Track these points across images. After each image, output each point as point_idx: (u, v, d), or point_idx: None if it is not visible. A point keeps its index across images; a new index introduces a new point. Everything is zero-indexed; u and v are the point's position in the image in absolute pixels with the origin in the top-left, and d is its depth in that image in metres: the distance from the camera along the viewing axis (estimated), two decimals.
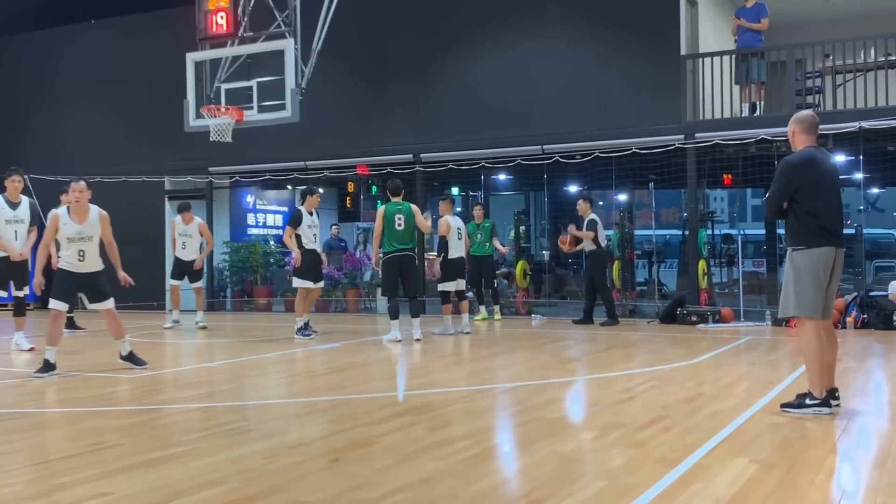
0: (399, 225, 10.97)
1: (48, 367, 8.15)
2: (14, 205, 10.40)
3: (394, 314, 10.98)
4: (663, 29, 14.53)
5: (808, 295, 5.86)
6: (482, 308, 14.38)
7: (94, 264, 8.41)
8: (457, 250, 12.40)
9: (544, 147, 15.14)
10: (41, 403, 6.90)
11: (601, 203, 21.61)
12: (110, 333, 8.62)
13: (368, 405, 6.64)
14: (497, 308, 14.42)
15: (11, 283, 10.44)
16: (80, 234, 8.26)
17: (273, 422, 6.09)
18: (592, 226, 13.18)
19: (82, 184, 8.32)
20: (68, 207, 8.36)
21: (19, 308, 10.49)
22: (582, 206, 13.53)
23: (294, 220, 11.74)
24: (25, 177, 10.84)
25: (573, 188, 19.13)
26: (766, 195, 6.19)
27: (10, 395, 7.34)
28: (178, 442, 5.28)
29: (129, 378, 8.07)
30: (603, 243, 13.41)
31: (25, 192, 10.93)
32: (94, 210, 8.42)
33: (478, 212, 14.47)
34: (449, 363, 9.33)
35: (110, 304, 8.47)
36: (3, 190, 10.56)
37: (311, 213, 11.80)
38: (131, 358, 8.58)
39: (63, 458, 4.86)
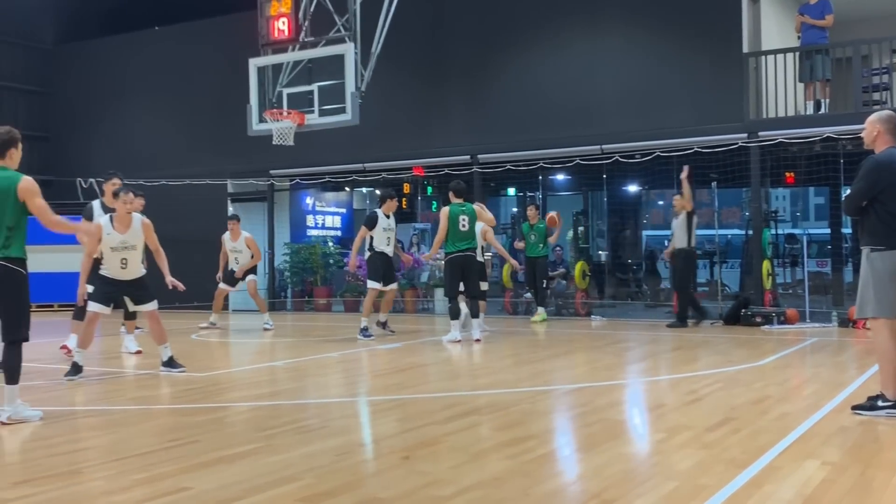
0: (463, 225, 11.04)
1: (76, 369, 8.08)
2: (109, 210, 10.33)
3: (454, 314, 11.04)
4: (725, 26, 14.36)
5: (887, 296, 5.79)
6: (540, 309, 14.34)
7: (136, 271, 8.40)
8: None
9: (603, 147, 15.07)
10: (119, 401, 7.10)
11: (660, 203, 21.41)
12: (152, 337, 8.65)
13: (433, 405, 6.71)
14: (541, 310, 14.28)
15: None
16: (124, 243, 8.22)
17: (341, 420, 6.19)
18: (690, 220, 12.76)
19: (131, 195, 8.29)
20: (111, 217, 8.32)
21: (129, 314, 10.25)
22: (678, 202, 12.94)
23: (369, 221, 11.88)
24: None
25: (633, 188, 18.97)
26: (848, 192, 6.12)
27: (90, 393, 7.57)
28: (252, 439, 5.41)
29: (200, 377, 8.26)
30: (693, 242, 13.05)
31: (92, 195, 11.03)
32: (137, 219, 8.37)
33: (532, 212, 14.44)
34: (510, 364, 9.36)
35: (153, 306, 8.44)
36: (102, 194, 10.48)
37: (387, 217, 11.87)
38: (171, 363, 8.48)
39: (143, 454, 5.01)
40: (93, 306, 8.26)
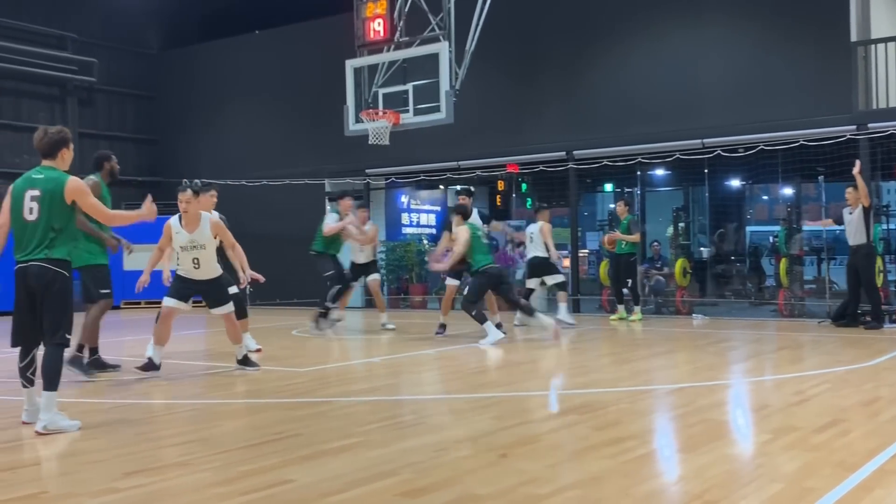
0: (485, 240, 11.35)
1: (151, 366, 8.15)
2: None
3: (482, 318, 10.82)
4: (831, 14, 13.83)
5: None
6: (620, 307, 14.16)
7: (210, 271, 8.32)
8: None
9: (704, 141, 14.71)
10: (225, 395, 7.32)
11: (765, 198, 20.76)
12: (228, 337, 8.59)
13: (530, 403, 6.69)
14: (637, 309, 13.93)
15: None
16: (192, 242, 8.13)
17: (438, 416, 6.23)
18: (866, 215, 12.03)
19: (189, 193, 8.18)
20: (180, 216, 8.24)
21: (240, 310, 9.99)
22: (852, 195, 12.12)
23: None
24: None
25: (735, 183, 18.46)
26: None
27: (197, 387, 7.83)
28: (352, 433, 5.50)
29: (301, 372, 8.45)
30: (871, 237, 12.42)
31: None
32: (205, 217, 8.30)
33: (620, 208, 14.24)
34: (608, 363, 9.24)
35: (228, 308, 8.41)
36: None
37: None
38: (245, 362, 8.55)
39: (247, 447, 5.15)
40: (168, 301, 8.26)
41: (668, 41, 15.36)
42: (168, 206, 11.26)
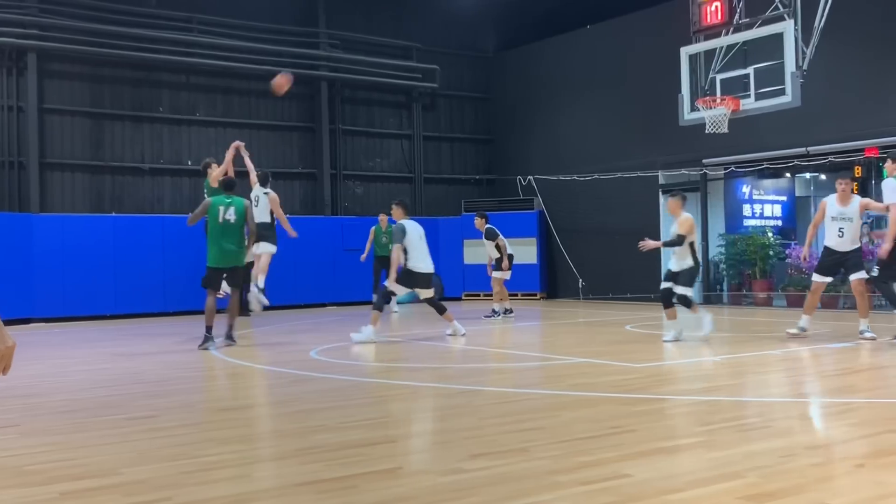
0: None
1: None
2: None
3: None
4: None
5: None
6: None
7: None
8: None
9: None
10: (561, 386, 7.46)
11: None
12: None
13: (894, 411, 6.04)
14: None
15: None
16: None
17: (785, 420, 5.83)
18: None
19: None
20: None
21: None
22: None
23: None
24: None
25: None
26: None
27: (532, 377, 8.07)
28: (691, 432, 5.33)
29: (636, 367, 8.35)
30: None
31: (530, 192, 11.67)
32: None
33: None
34: None
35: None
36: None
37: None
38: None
39: (585, 439, 5.19)
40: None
41: None
42: (502, 203, 11.76)
